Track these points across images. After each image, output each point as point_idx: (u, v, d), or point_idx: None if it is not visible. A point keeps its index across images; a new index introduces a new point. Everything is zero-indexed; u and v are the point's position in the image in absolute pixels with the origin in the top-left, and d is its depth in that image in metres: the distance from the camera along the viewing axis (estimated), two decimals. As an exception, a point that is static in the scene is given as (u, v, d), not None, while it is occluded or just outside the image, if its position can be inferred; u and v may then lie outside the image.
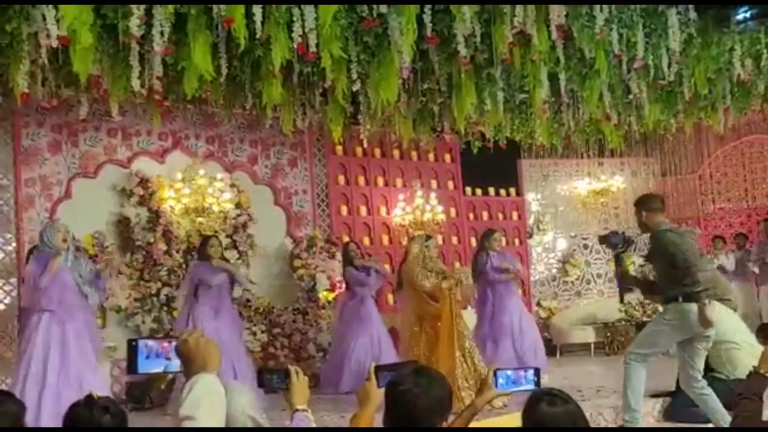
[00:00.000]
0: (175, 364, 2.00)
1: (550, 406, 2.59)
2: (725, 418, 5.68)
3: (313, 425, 2.95)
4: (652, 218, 5.94)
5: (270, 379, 3.05)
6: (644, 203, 6.05)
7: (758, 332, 5.00)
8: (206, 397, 2.01)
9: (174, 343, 2.03)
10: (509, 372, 3.26)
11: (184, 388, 2.00)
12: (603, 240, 6.46)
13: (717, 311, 6.65)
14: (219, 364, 2.24)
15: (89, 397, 2.33)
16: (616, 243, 6.31)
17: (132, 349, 1.95)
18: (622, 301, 6.60)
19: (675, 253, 5.70)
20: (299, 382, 2.97)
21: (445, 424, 2.66)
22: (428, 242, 7.65)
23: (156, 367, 2.01)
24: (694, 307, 5.63)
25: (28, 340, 6.65)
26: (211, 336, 7.24)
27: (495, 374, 3.23)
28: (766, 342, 4.20)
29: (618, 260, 6.34)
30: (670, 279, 5.77)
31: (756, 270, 11.57)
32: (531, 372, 3.24)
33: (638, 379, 5.88)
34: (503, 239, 12.09)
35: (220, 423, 2.07)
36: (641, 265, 7.91)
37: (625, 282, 6.28)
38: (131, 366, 1.97)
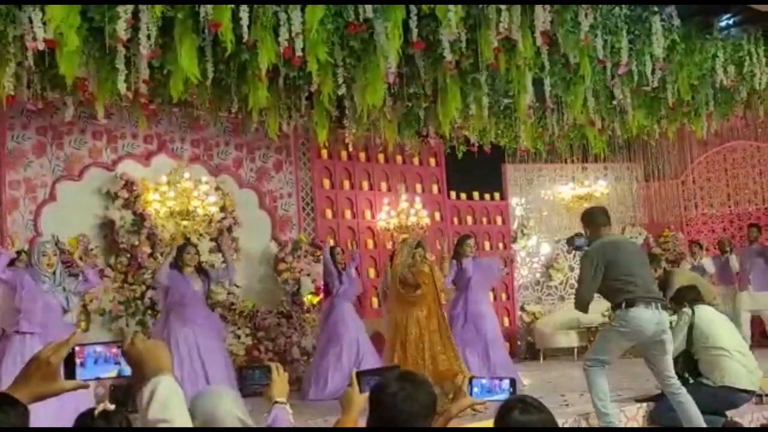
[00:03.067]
0: (129, 368, 2.00)
1: (522, 414, 2.60)
2: (698, 424, 5.73)
3: (291, 418, 3.00)
4: (594, 234, 6.06)
5: (252, 374, 3.13)
6: (586, 220, 6.18)
7: None
8: (173, 398, 2.01)
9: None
10: (484, 381, 3.26)
11: (142, 392, 1.99)
12: (569, 242, 6.55)
13: (710, 317, 6.72)
14: (171, 365, 2.24)
15: (104, 411, 2.38)
16: (580, 245, 6.38)
17: (70, 356, 1.95)
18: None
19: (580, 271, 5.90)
20: (280, 377, 3.05)
21: (437, 423, 2.67)
22: (417, 249, 7.64)
23: (106, 372, 2.00)
24: (634, 311, 5.71)
25: (8, 363, 6.39)
26: (181, 342, 7.24)
27: (470, 382, 3.24)
28: None
29: None
30: (610, 290, 5.87)
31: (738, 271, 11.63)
32: (506, 382, 3.24)
33: (600, 383, 5.92)
34: (482, 244, 12.23)
35: (188, 423, 2.07)
36: None
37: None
38: (68, 372, 1.96)
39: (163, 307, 7.99)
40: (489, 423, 2.75)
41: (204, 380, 7.51)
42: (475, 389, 3.20)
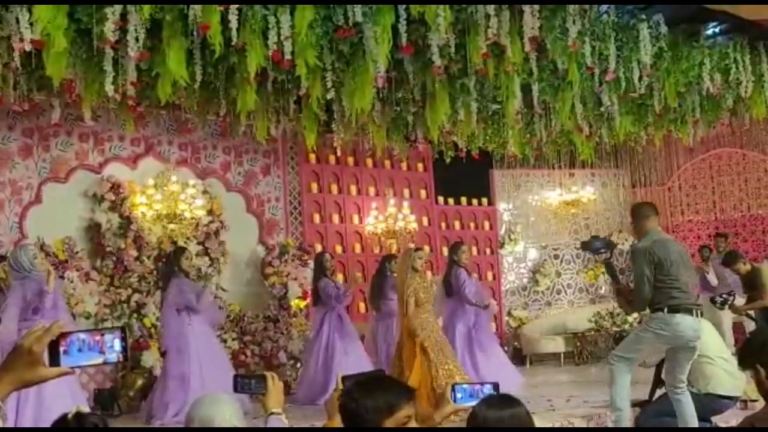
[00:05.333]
0: (113, 357, 1.99)
1: (490, 409, 2.62)
2: (692, 425, 5.75)
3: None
4: (639, 227, 6.02)
5: (248, 383, 3.14)
6: (632, 214, 6.15)
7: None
8: None
9: (108, 335, 2.01)
10: (465, 386, 3.25)
11: None
12: (585, 246, 6.51)
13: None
14: None
15: (77, 414, 2.36)
16: (598, 248, 6.32)
17: (54, 344, 1.94)
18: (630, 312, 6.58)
19: (633, 269, 5.82)
20: (275, 387, 3.06)
21: (391, 423, 2.63)
22: (415, 254, 7.58)
23: (90, 360, 2.00)
24: (678, 318, 5.70)
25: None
26: (201, 341, 7.33)
27: (453, 389, 3.23)
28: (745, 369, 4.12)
29: (609, 269, 6.29)
30: (654, 290, 5.80)
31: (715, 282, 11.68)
32: (488, 386, 3.23)
33: (622, 380, 5.90)
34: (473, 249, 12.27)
35: None
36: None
37: (622, 295, 6.23)
38: (52, 360, 1.95)
39: (173, 307, 7.94)
40: None
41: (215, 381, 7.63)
42: (458, 395, 3.19)
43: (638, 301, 5.94)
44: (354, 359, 8.59)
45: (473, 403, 3.15)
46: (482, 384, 3.26)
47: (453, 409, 3.19)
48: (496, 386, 3.21)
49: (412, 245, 9.19)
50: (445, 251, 12.15)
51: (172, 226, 9.37)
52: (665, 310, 5.73)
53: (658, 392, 6.83)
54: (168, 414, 7.54)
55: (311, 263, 10.20)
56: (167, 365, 7.91)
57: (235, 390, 3.12)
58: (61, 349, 1.91)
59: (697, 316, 5.80)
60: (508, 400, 2.67)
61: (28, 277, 6.75)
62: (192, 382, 7.62)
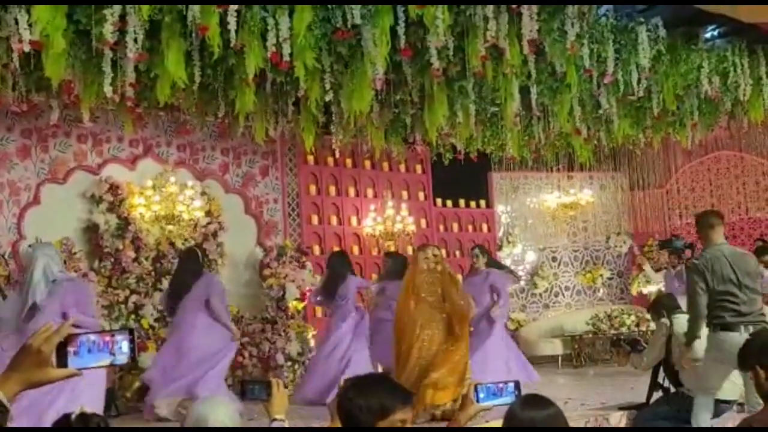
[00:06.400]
0: (123, 358, 1.99)
1: (524, 410, 2.64)
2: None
3: None
4: (701, 239, 5.94)
5: (252, 389, 3.25)
6: (697, 221, 6.07)
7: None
8: None
9: (118, 336, 2.01)
10: (489, 385, 3.25)
11: None
12: (665, 244, 6.42)
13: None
14: None
15: (81, 414, 2.38)
16: (678, 247, 6.22)
17: (62, 344, 1.94)
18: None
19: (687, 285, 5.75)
20: (280, 394, 3.16)
21: (384, 423, 2.63)
22: (426, 251, 7.42)
23: (99, 361, 1.99)
24: (722, 336, 5.58)
25: None
26: (182, 335, 7.38)
27: (475, 389, 3.22)
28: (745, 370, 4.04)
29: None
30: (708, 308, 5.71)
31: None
32: (511, 385, 3.23)
33: (704, 418, 5.71)
34: (467, 251, 12.30)
35: None
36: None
37: None
38: (60, 361, 1.95)
39: (202, 308, 7.94)
40: (494, 423, 2.77)
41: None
42: (481, 395, 3.18)
43: (692, 317, 5.77)
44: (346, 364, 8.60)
45: (496, 402, 3.17)
46: (505, 382, 3.25)
47: (477, 409, 3.19)
48: (517, 384, 3.21)
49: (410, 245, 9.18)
50: (443, 253, 12.19)
51: (170, 227, 9.38)
52: (713, 328, 5.64)
53: (655, 395, 6.84)
54: (149, 407, 7.77)
55: (309, 265, 10.23)
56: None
57: (242, 395, 3.21)
58: (71, 350, 1.90)
59: (746, 331, 5.53)
60: (544, 400, 2.70)
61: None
62: (157, 367, 7.90)
